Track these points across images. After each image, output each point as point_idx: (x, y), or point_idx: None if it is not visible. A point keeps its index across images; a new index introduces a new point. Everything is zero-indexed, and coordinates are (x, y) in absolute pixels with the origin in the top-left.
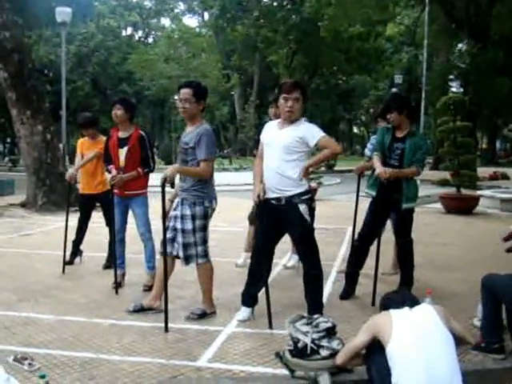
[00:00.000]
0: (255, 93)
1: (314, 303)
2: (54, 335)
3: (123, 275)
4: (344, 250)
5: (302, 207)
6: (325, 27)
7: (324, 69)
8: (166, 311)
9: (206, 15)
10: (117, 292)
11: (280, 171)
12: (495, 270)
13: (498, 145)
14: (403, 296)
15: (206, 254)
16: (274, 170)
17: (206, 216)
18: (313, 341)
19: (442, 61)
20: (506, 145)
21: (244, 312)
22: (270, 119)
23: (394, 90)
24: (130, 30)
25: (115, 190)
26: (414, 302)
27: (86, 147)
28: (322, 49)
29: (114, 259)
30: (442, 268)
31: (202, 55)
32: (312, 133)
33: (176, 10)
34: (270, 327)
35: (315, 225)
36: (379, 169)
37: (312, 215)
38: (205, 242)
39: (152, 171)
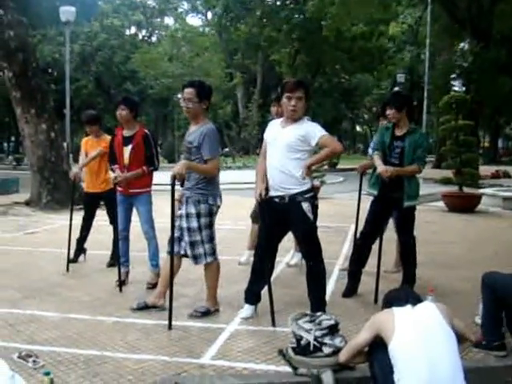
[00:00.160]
0: (258, 91)
1: (317, 301)
2: (59, 333)
3: (127, 273)
4: (347, 249)
5: (305, 205)
6: (327, 26)
7: (327, 68)
8: (170, 309)
9: (210, 14)
10: (121, 290)
11: (283, 169)
12: (497, 268)
13: (499, 143)
14: (406, 294)
15: (213, 252)
16: (278, 168)
17: (211, 213)
18: (315, 338)
19: (444, 60)
20: (507, 143)
21: (247, 310)
22: (273, 118)
23: (396, 88)
24: (133, 29)
25: (119, 188)
26: (416, 300)
27: (90, 145)
28: (324, 48)
29: (118, 257)
30: (443, 266)
31: (205, 54)
32: (314, 131)
33: (179, 10)
34: (273, 325)
35: (318, 223)
36: (380, 167)
37: (315, 213)
38: (211, 239)
39: (156, 169)
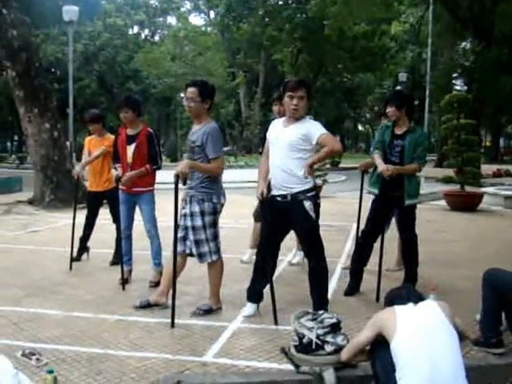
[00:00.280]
0: (260, 91)
1: (319, 299)
2: (62, 331)
3: (130, 271)
4: (349, 247)
5: (307, 204)
6: (329, 26)
7: (329, 67)
8: (172, 307)
9: (212, 14)
10: (123, 288)
11: (285, 168)
12: (498, 266)
13: (501, 142)
14: (408, 292)
15: (218, 250)
16: (280, 167)
17: (215, 212)
18: (318, 336)
19: (446, 59)
20: (509, 142)
21: (249, 308)
22: (275, 117)
23: (398, 87)
24: (136, 29)
25: (122, 187)
26: (418, 298)
27: (93, 145)
28: (326, 47)
29: (121, 256)
30: (445, 265)
31: (207, 53)
32: (315, 130)
33: (182, 9)
34: (276, 323)
35: (320, 221)
36: (381, 166)
37: (317, 212)
38: (216, 237)
39: (159, 168)
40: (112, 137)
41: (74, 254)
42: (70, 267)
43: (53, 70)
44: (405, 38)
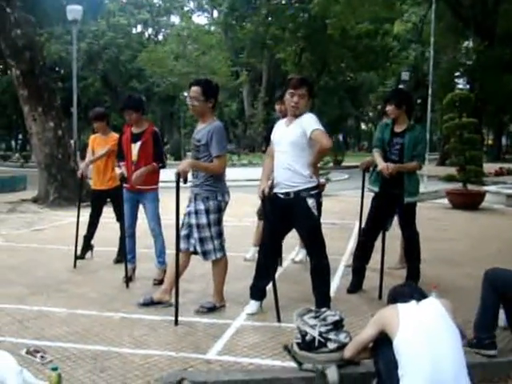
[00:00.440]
0: (264, 89)
1: (322, 297)
2: (66, 328)
3: (134, 269)
4: (352, 245)
5: (310, 201)
6: (332, 25)
7: (332, 66)
8: (176, 305)
9: (215, 13)
10: (127, 286)
11: (289, 167)
12: (499, 265)
13: (503, 141)
14: (410, 290)
15: (222, 248)
16: (284, 165)
17: (220, 209)
18: (320, 334)
19: (448, 58)
20: (511, 141)
21: (252, 305)
22: (278, 115)
23: (400, 86)
24: (140, 28)
25: (126, 185)
26: (421, 296)
27: (98, 143)
28: (329, 46)
29: (125, 254)
30: (447, 263)
31: (211, 52)
32: (310, 123)
33: (185, 8)
34: (278, 320)
35: (322, 220)
36: (381, 164)
37: (319, 210)
38: (220, 235)
39: (164, 167)
40: (116, 135)
41: (78, 252)
42: (74, 265)
43: (57, 68)
44: (407, 37)
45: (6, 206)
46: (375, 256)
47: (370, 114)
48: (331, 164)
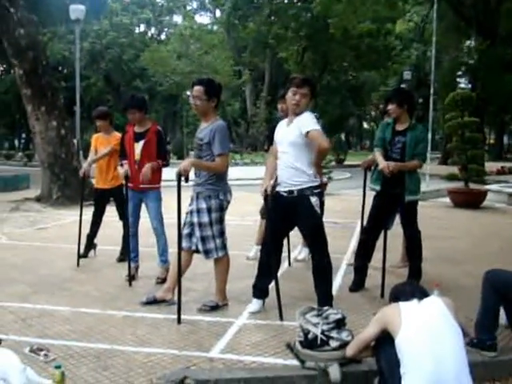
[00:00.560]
0: (266, 88)
1: (324, 295)
2: (69, 327)
3: (136, 268)
4: (354, 244)
5: (314, 199)
6: (334, 24)
7: (334, 65)
8: (179, 303)
9: (218, 12)
10: (130, 284)
11: (292, 165)
12: (501, 263)
13: (505, 140)
14: (412, 288)
15: (224, 246)
16: (287, 164)
17: (222, 208)
18: (323, 332)
19: (450, 57)
20: None
21: (255, 304)
22: (280, 114)
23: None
24: (142, 27)
25: (130, 185)
26: (423, 294)
27: (100, 142)
28: (332, 45)
29: (128, 252)
30: (448, 261)
31: (213, 52)
32: (307, 122)
33: (188, 8)
34: (281, 319)
35: (324, 219)
36: (382, 163)
37: (321, 210)
38: (222, 234)
39: (168, 165)
40: (118, 135)
41: (81, 250)
42: (78, 264)
43: (60, 68)
44: (409, 37)
45: (10, 205)
46: (377, 254)
47: (372, 113)
48: (333, 163)
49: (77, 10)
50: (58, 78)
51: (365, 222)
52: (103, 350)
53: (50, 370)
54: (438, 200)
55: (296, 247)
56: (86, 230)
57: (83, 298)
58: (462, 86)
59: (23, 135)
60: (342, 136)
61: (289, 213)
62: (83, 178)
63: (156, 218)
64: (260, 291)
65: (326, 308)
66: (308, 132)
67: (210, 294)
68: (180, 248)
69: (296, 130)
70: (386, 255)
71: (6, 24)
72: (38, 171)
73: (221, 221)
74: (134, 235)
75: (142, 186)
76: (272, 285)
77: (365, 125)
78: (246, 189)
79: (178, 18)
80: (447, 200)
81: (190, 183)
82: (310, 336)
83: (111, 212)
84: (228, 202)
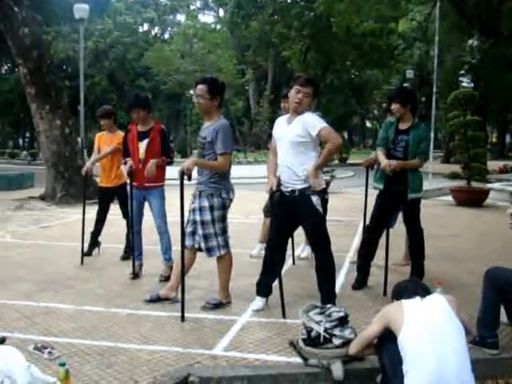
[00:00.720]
0: (269, 87)
1: (327, 293)
2: (73, 324)
3: (140, 266)
4: (357, 242)
5: (314, 198)
6: (337, 23)
7: (337, 64)
8: (182, 301)
9: (221, 11)
10: (134, 282)
11: (290, 165)
12: (503, 262)
13: (507, 138)
14: (415, 286)
15: (226, 244)
16: (286, 164)
17: (224, 206)
18: (325, 330)
19: (453, 56)
20: None
21: (258, 302)
22: (283, 113)
23: (405, 84)
24: (146, 27)
25: (134, 183)
26: (425, 292)
27: (104, 141)
28: (335, 44)
29: (132, 250)
30: (451, 259)
31: (217, 51)
32: (314, 122)
33: (191, 7)
34: (284, 317)
35: (328, 217)
36: (384, 162)
37: (324, 207)
38: (224, 232)
39: (172, 164)
40: (122, 133)
41: (85, 248)
42: (82, 262)
43: (64, 67)
44: (412, 36)
45: (14, 204)
46: (380, 252)
47: (375, 111)
48: (336, 161)
49: (81, 10)
50: (62, 77)
51: (368, 221)
52: (107, 347)
53: (54, 367)
54: (441, 198)
55: (299, 245)
56: (89, 228)
57: (87, 296)
58: (465, 84)
59: (27, 134)
60: (345, 134)
61: (292, 211)
62: (85, 176)
63: (159, 216)
64: (263, 289)
65: (328, 306)
66: (320, 130)
67: (214, 292)
68: (183, 246)
69: (299, 129)
70: (388, 253)
71: (10, 23)
72: (43, 170)
73: (223, 219)
74: (137, 233)
75: (146, 184)
76: (275, 283)
77: (368, 123)
78: (250, 187)
79: (181, 17)
80: (450, 198)
81: (193, 181)
82: (313, 334)
83: (115, 210)
84: (230, 201)
